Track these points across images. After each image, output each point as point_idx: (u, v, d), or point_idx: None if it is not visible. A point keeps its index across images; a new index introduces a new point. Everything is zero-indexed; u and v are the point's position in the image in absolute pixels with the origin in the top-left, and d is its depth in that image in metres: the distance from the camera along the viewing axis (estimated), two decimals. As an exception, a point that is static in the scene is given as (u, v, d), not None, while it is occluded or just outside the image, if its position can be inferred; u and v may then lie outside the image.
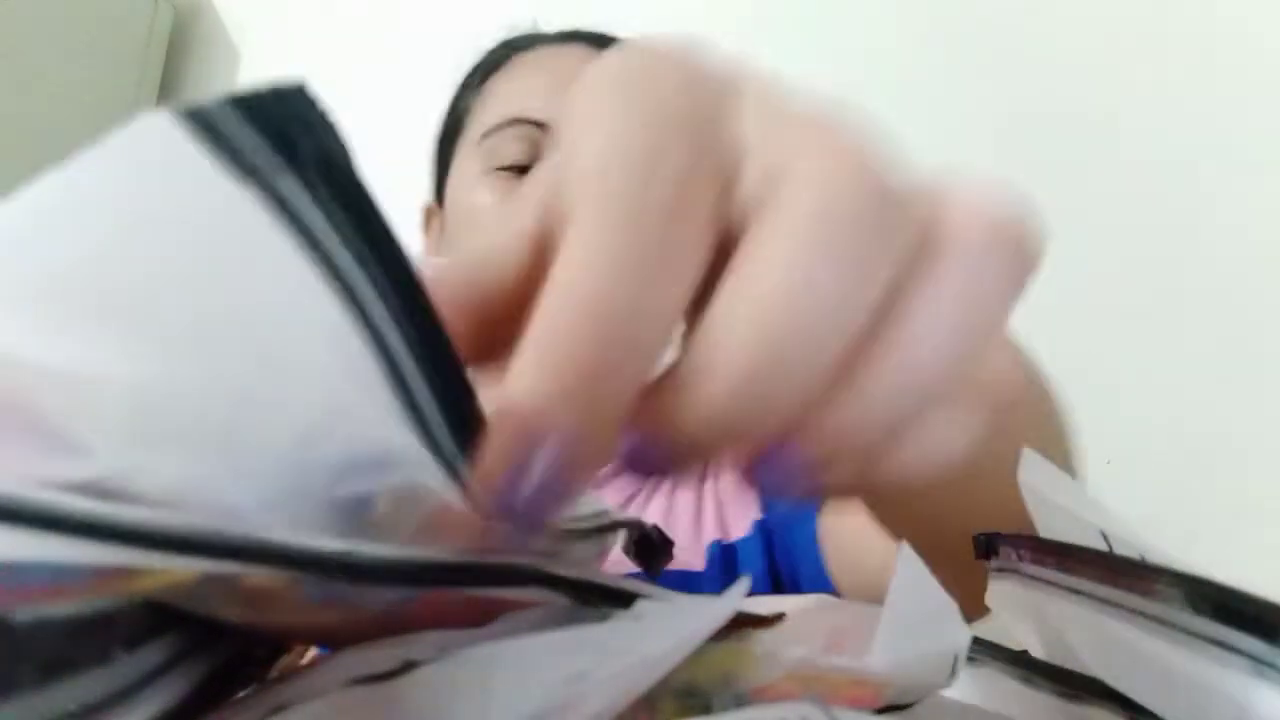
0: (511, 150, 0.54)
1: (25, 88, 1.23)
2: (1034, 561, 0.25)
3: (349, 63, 1.38)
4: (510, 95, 0.57)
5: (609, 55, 0.17)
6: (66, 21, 1.29)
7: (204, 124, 0.13)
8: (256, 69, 1.45)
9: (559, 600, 0.19)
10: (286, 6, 1.46)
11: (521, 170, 0.54)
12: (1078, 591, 0.23)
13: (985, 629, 0.28)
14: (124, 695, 0.13)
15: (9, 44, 1.21)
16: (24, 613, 0.11)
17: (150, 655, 0.14)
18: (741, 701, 0.18)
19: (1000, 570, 0.28)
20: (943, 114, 1.03)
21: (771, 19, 1.13)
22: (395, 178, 1.39)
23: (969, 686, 0.22)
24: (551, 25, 1.29)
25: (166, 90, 1.46)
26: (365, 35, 1.38)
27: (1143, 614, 0.19)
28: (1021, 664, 0.23)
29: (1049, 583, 0.24)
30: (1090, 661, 0.22)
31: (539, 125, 0.54)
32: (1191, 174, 0.93)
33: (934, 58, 1.05)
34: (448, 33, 1.33)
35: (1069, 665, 0.23)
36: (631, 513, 0.56)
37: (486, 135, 0.56)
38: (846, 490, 0.17)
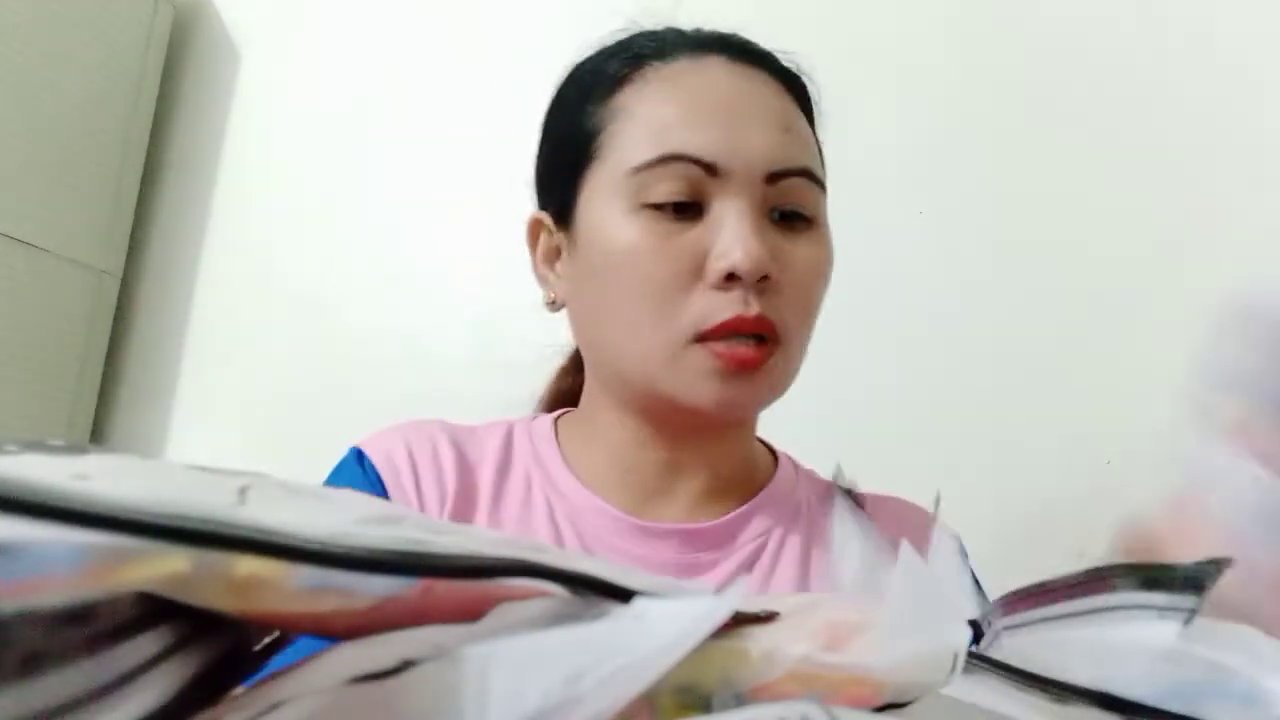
0: (666, 189, 0.51)
1: (25, 88, 1.23)
2: (1009, 611, 0.28)
3: (349, 63, 1.38)
4: (658, 124, 0.52)
5: None
6: (66, 21, 1.29)
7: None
8: (256, 69, 1.45)
9: (553, 592, 0.19)
10: (286, 7, 1.46)
11: (676, 208, 0.51)
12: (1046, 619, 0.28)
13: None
14: (113, 688, 0.13)
15: (9, 44, 1.21)
16: (7, 605, 0.11)
17: (141, 648, 0.14)
18: (741, 700, 0.18)
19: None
20: (943, 114, 1.03)
21: (772, 19, 1.13)
22: (394, 177, 1.39)
23: (965, 688, 0.22)
24: (560, 26, 1.29)
25: (166, 90, 1.46)
26: (365, 35, 1.38)
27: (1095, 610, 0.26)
28: (1013, 672, 0.23)
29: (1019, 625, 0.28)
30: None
31: (697, 163, 0.51)
32: (1191, 173, 0.93)
33: (934, 58, 1.06)
34: (448, 33, 1.33)
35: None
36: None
37: (638, 170, 0.52)
38: None
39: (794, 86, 0.58)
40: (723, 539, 0.57)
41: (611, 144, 0.54)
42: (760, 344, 0.51)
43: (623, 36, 0.60)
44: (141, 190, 1.43)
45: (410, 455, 0.57)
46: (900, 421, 0.99)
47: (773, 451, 0.65)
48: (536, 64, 1.24)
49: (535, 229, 0.61)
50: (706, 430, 0.56)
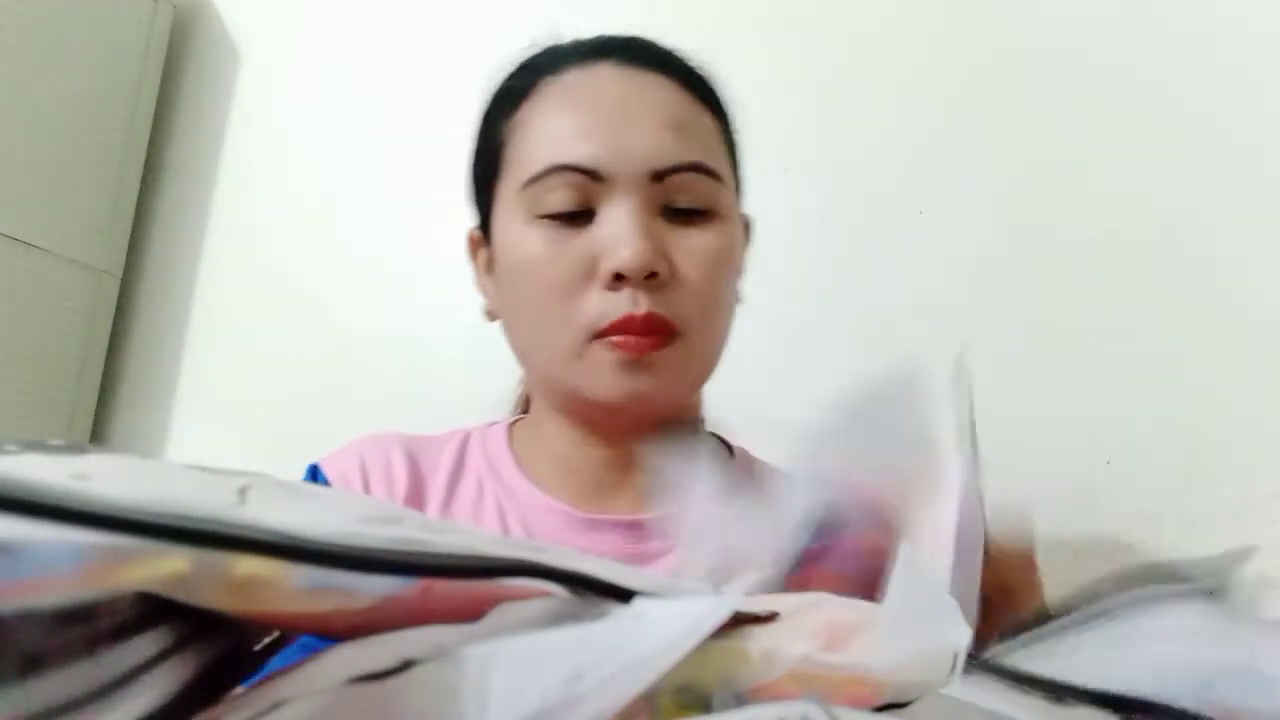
0: (556, 199, 0.53)
1: (25, 88, 1.23)
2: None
3: (349, 63, 1.38)
4: (547, 136, 0.55)
5: None
6: (66, 21, 1.29)
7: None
8: (256, 69, 1.45)
9: (553, 592, 0.19)
10: (286, 7, 1.46)
11: (567, 216, 0.53)
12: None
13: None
14: (113, 688, 0.13)
15: (9, 44, 1.21)
16: (7, 605, 0.11)
17: (140, 648, 0.14)
18: (741, 700, 0.18)
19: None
20: (943, 113, 1.03)
21: (773, 19, 1.13)
22: (394, 177, 1.39)
23: (964, 689, 0.23)
24: (563, 25, 1.29)
25: (166, 90, 1.46)
26: (365, 35, 1.38)
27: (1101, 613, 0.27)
28: (1012, 674, 0.23)
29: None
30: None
31: (580, 171, 0.53)
32: (1191, 172, 0.93)
33: (934, 57, 1.05)
34: (448, 33, 1.33)
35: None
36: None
37: (528, 184, 0.54)
38: None
39: (691, 82, 0.58)
40: (670, 529, 0.58)
41: (512, 158, 0.57)
42: (654, 338, 0.52)
43: (528, 53, 0.63)
44: (141, 190, 1.43)
45: (363, 470, 0.58)
46: (900, 421, 0.98)
47: (729, 446, 0.66)
48: (487, 69, 1.24)
49: (473, 243, 0.64)
50: (639, 426, 0.57)
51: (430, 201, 1.28)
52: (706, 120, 0.58)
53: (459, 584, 0.17)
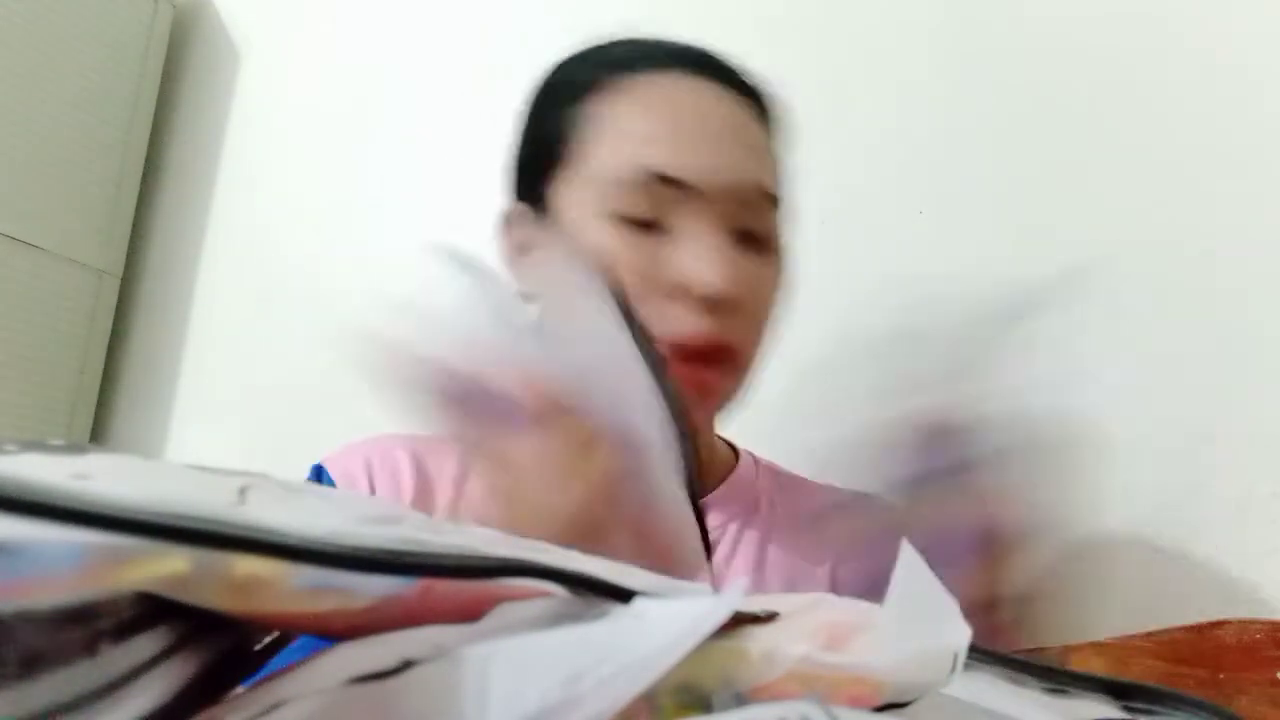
0: (634, 202, 0.52)
1: (25, 88, 1.23)
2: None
3: (348, 62, 1.38)
4: (630, 136, 0.54)
5: None
6: (66, 21, 1.29)
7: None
8: (256, 69, 1.45)
9: (553, 592, 0.19)
10: (286, 7, 1.46)
11: (644, 225, 0.52)
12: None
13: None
14: (113, 688, 0.13)
15: (9, 44, 1.21)
16: (7, 605, 0.11)
17: (140, 648, 0.14)
18: (741, 700, 0.18)
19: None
20: (943, 114, 1.03)
21: (773, 19, 1.13)
22: (394, 177, 1.39)
23: (963, 688, 0.22)
24: (563, 26, 1.29)
25: (166, 90, 1.46)
26: (365, 35, 1.38)
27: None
28: (1010, 664, 0.23)
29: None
30: None
31: (668, 181, 0.52)
32: (1191, 172, 0.93)
33: (934, 58, 1.05)
34: (448, 33, 1.33)
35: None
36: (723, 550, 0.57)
37: (608, 182, 0.53)
38: None
39: (758, 102, 0.58)
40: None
41: (582, 150, 0.55)
42: (713, 365, 0.52)
43: (599, 45, 0.62)
44: (141, 190, 1.43)
45: (369, 471, 0.58)
46: (900, 421, 0.98)
47: (734, 448, 0.66)
48: (537, 64, 1.24)
49: (506, 219, 0.62)
50: None
51: (430, 201, 1.28)
52: (770, 144, 0.58)
53: (459, 584, 0.17)
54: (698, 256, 0.51)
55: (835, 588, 0.59)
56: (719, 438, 0.66)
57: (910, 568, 0.20)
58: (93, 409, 1.36)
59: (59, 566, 0.11)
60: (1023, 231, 0.98)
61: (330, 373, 1.25)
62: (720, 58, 0.59)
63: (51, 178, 1.27)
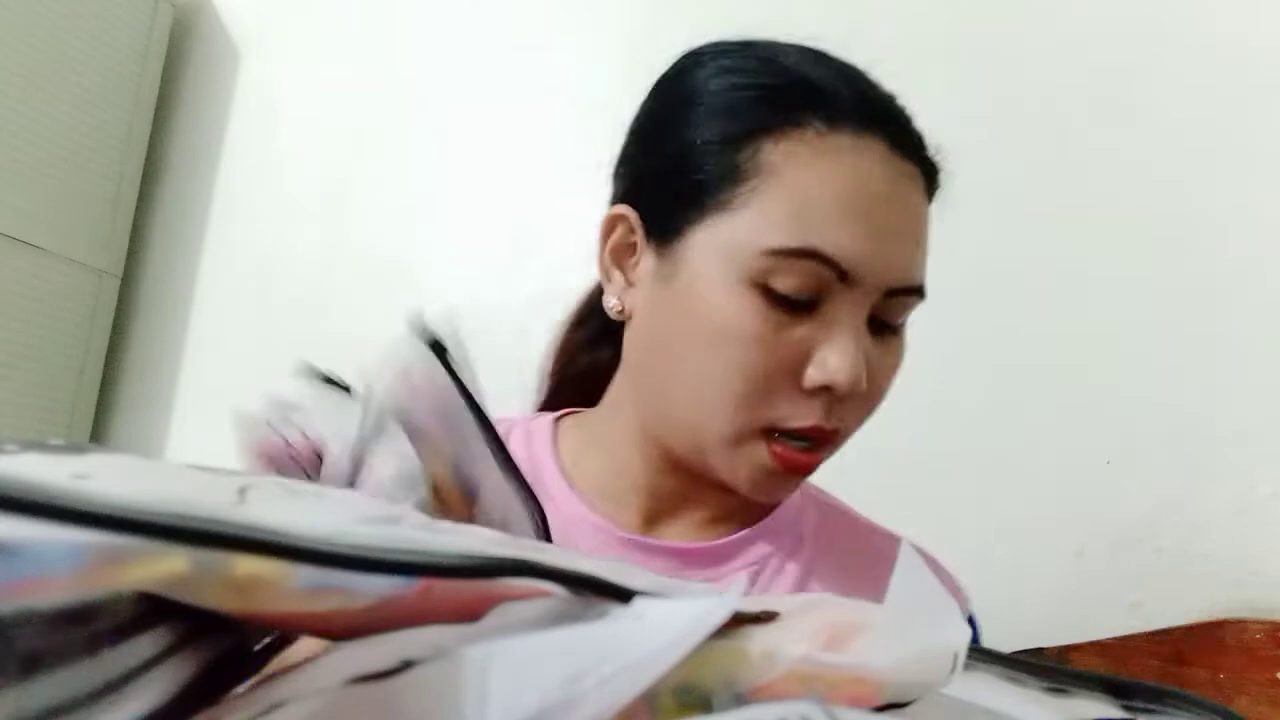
0: (793, 283, 0.47)
1: (25, 87, 1.23)
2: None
3: (349, 62, 1.38)
4: (807, 208, 0.48)
5: None
6: (67, 21, 1.29)
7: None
8: (256, 69, 1.45)
9: (553, 592, 0.19)
10: (286, 6, 1.46)
11: (793, 304, 0.48)
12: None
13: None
14: (113, 688, 0.13)
15: (9, 44, 1.21)
16: (7, 605, 0.11)
17: (141, 648, 0.14)
18: (741, 700, 0.18)
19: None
20: (943, 116, 1.03)
21: (773, 19, 1.13)
22: (394, 177, 1.38)
23: (963, 688, 0.22)
24: (563, 26, 1.29)
25: (166, 90, 1.46)
26: (365, 35, 1.38)
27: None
28: (1009, 664, 0.23)
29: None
30: None
31: (834, 267, 0.47)
32: (1192, 173, 0.93)
33: (934, 60, 1.05)
34: (448, 34, 1.33)
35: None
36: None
37: (770, 253, 0.47)
38: None
39: (931, 183, 0.56)
40: (717, 560, 0.56)
41: (748, 203, 0.49)
42: (818, 451, 0.51)
43: (780, 61, 0.54)
44: (141, 190, 1.43)
45: None
46: (900, 421, 0.98)
47: None
48: (538, 65, 1.25)
49: (614, 221, 0.55)
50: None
51: (430, 201, 1.28)
52: (928, 225, 0.55)
53: (459, 584, 0.17)
54: (843, 352, 0.48)
55: None
56: None
57: (910, 568, 0.20)
58: (93, 409, 1.36)
59: (59, 566, 0.11)
60: (1023, 231, 0.98)
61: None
62: (910, 120, 0.55)
63: (51, 178, 1.27)
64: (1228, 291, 0.90)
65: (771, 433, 0.49)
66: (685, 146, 0.52)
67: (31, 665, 0.12)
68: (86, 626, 0.13)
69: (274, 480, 0.21)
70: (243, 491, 0.18)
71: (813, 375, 0.48)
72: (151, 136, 1.44)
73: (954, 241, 1.01)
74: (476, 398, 0.36)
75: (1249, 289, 0.89)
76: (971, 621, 0.61)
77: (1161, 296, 0.92)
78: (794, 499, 0.61)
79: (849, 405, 0.50)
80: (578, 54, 1.12)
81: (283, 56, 1.44)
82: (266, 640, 0.21)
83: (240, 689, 0.18)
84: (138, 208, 1.43)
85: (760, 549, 0.57)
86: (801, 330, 0.48)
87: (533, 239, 1.16)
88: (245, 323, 1.36)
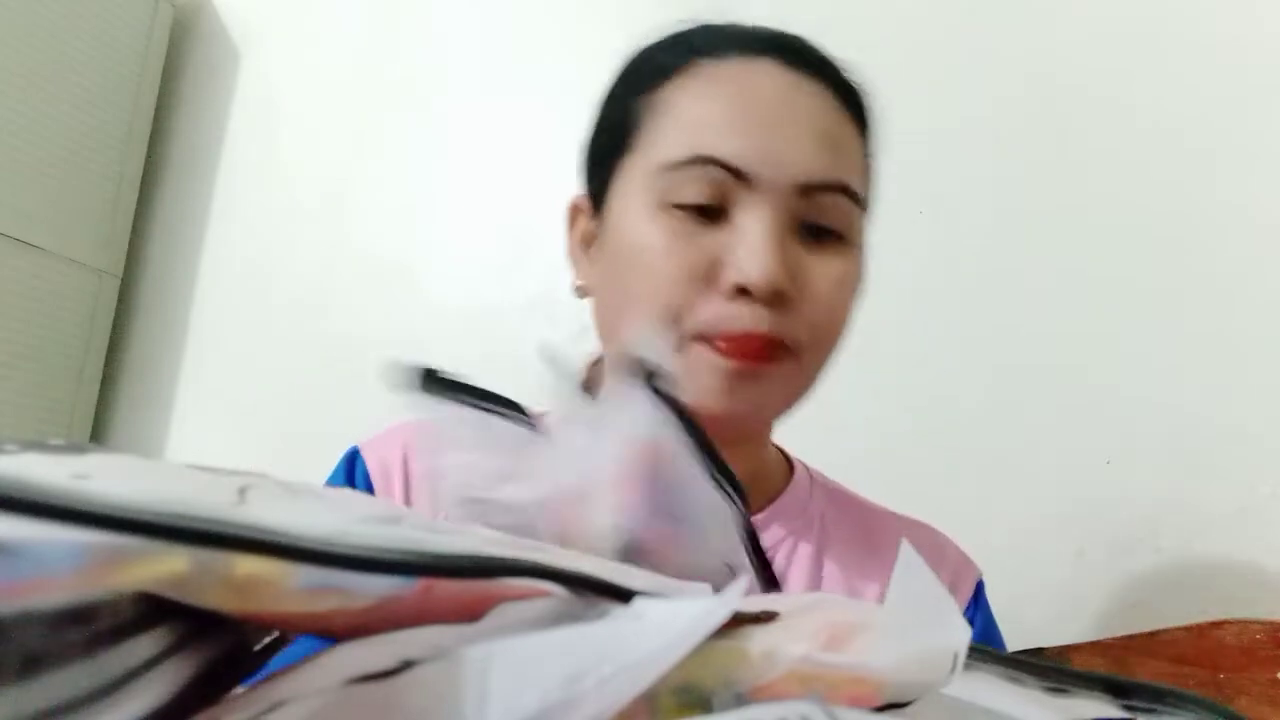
0: (692, 190, 0.49)
1: (25, 87, 1.23)
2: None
3: (349, 62, 1.38)
4: (694, 122, 0.51)
5: None
6: (66, 21, 1.29)
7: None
8: (256, 69, 1.45)
9: (553, 592, 0.19)
10: (286, 7, 1.46)
11: (700, 210, 0.50)
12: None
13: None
14: (113, 688, 0.13)
15: (9, 44, 1.21)
16: (7, 605, 0.11)
17: (141, 648, 0.14)
18: (741, 700, 0.18)
19: None
20: (943, 114, 1.03)
21: (772, 19, 1.13)
22: (394, 177, 1.38)
23: (963, 688, 0.22)
24: (559, 27, 1.29)
25: (166, 90, 1.46)
26: (365, 35, 1.38)
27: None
28: (1009, 664, 0.23)
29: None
30: None
31: (725, 167, 0.49)
32: (1191, 173, 0.93)
33: (934, 58, 1.05)
34: (448, 34, 1.33)
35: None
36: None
37: (665, 169, 0.50)
38: None
39: (849, 97, 0.56)
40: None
41: (648, 138, 0.52)
42: (768, 361, 0.50)
43: (685, 30, 0.57)
44: (141, 190, 1.43)
45: (405, 464, 0.56)
46: (900, 421, 0.99)
47: (789, 459, 0.63)
48: (537, 65, 1.24)
49: (574, 212, 0.59)
50: (718, 438, 0.55)
51: (430, 201, 1.28)
52: (856, 139, 0.56)
53: (459, 584, 0.17)
54: (750, 249, 0.48)
55: None
56: (775, 446, 0.63)
57: (910, 568, 0.20)
58: (93, 409, 1.36)
59: (59, 566, 0.11)
60: (1023, 231, 0.98)
61: (329, 372, 1.25)
62: (811, 45, 0.56)
63: (51, 178, 1.27)
64: (1228, 291, 0.90)
65: (707, 340, 0.49)
66: (604, 117, 0.58)
67: (31, 665, 0.12)
68: (86, 626, 0.13)
69: (274, 480, 0.21)
70: (243, 491, 0.18)
71: (727, 275, 0.49)
72: (151, 136, 1.44)
73: (955, 241, 1.01)
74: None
75: (1249, 289, 0.89)
76: (980, 588, 0.61)
77: (1161, 296, 0.92)
78: (802, 481, 0.61)
79: (790, 313, 0.50)
80: (578, 54, 1.12)
81: (283, 56, 1.44)
82: (266, 640, 0.21)
83: (240, 689, 0.18)
84: (138, 208, 1.42)
85: (775, 532, 0.57)
86: (713, 237, 0.50)
87: (533, 239, 1.16)
88: (245, 323, 1.36)
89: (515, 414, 0.34)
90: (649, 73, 0.55)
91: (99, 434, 1.38)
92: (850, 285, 0.54)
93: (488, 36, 1.28)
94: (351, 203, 1.32)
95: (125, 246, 1.40)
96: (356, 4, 1.40)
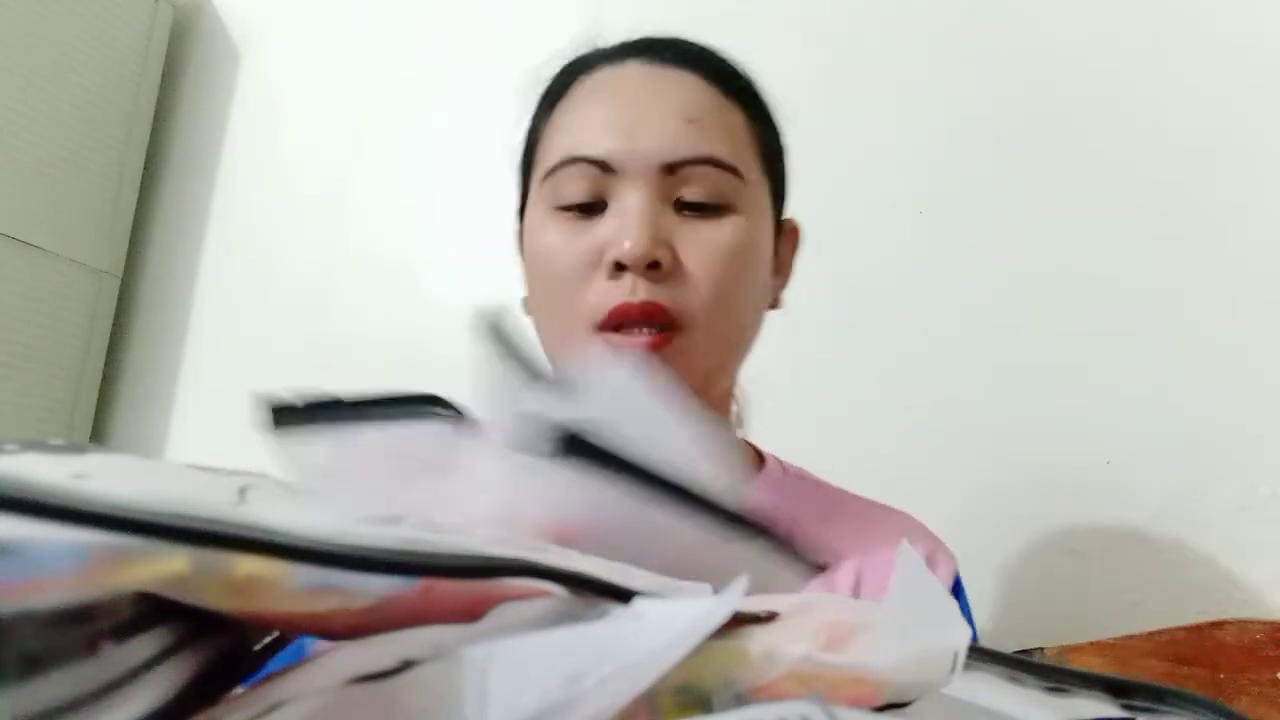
0: (571, 190, 0.54)
1: (25, 87, 1.23)
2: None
3: (349, 62, 1.38)
4: (570, 129, 0.56)
5: None
6: (67, 21, 1.29)
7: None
8: (256, 69, 1.46)
9: (553, 592, 0.19)
10: (286, 7, 1.46)
11: (581, 208, 0.54)
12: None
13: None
14: (113, 688, 0.13)
15: (9, 44, 1.21)
16: (7, 605, 0.11)
17: (141, 648, 0.14)
18: (741, 700, 0.18)
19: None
20: (943, 114, 1.03)
21: (772, 19, 1.13)
22: (394, 177, 1.38)
23: (963, 688, 0.22)
24: (558, 27, 1.29)
25: (166, 90, 1.46)
26: (365, 35, 1.39)
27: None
28: (1009, 664, 0.23)
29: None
30: None
31: (592, 163, 0.53)
32: (1191, 173, 0.93)
33: (935, 58, 1.06)
34: (447, 34, 1.33)
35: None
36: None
37: (548, 176, 0.55)
38: None
39: (719, 77, 0.58)
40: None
41: (542, 154, 0.58)
42: (659, 331, 0.51)
43: (580, 48, 0.63)
44: (141, 190, 1.43)
45: None
46: (899, 420, 0.99)
47: (760, 454, 0.65)
48: (538, 65, 1.24)
49: (518, 235, 0.63)
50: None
51: (430, 201, 1.28)
52: (733, 116, 0.57)
53: (459, 584, 0.17)
54: (621, 226, 0.52)
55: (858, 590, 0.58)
56: (744, 441, 0.64)
57: (910, 568, 0.20)
58: (93, 409, 1.36)
59: (59, 566, 0.11)
60: (1023, 231, 0.98)
61: (329, 373, 1.25)
62: (683, 41, 0.60)
63: (51, 178, 1.27)
64: (1228, 292, 0.90)
65: (601, 329, 0.52)
66: (524, 139, 0.63)
67: (31, 665, 0.12)
68: (86, 626, 0.13)
69: (274, 480, 0.21)
70: (243, 491, 0.18)
71: (606, 255, 0.52)
72: (151, 136, 1.44)
73: (955, 241, 1.01)
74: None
75: (1249, 289, 0.89)
76: (959, 584, 0.62)
77: (1161, 297, 0.92)
78: (774, 475, 0.63)
79: (671, 282, 0.52)
80: (578, 54, 1.12)
81: (283, 56, 1.44)
82: (266, 640, 0.21)
83: (240, 689, 0.18)
84: (138, 208, 1.42)
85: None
86: (595, 230, 0.53)
87: (533, 239, 1.16)
88: (245, 323, 1.36)
89: (424, 410, 0.33)
90: (545, 98, 0.61)
91: (99, 434, 1.38)
92: (734, 251, 0.55)
93: (488, 36, 1.28)
94: (351, 202, 1.32)
95: (125, 246, 1.40)
96: (356, 4, 1.40)
